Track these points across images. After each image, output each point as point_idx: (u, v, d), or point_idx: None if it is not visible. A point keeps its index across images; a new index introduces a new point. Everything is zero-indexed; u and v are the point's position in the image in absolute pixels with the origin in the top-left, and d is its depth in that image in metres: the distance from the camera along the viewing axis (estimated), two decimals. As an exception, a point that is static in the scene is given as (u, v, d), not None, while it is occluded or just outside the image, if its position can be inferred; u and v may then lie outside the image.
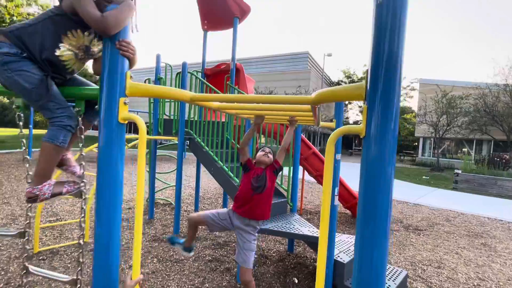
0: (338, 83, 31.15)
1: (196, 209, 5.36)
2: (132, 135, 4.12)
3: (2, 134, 24.61)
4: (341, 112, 2.57)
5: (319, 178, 5.42)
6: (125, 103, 0.98)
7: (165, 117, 4.68)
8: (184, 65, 3.94)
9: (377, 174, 0.72)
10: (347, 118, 31.90)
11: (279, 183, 3.71)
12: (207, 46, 5.33)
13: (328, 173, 0.88)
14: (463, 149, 20.82)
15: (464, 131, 17.11)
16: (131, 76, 0.98)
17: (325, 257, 0.85)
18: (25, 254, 1.59)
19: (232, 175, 3.34)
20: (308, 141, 5.36)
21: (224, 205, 5.27)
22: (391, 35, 0.70)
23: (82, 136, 1.36)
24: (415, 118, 22.71)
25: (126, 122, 1.00)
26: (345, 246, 2.99)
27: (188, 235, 2.33)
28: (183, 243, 2.39)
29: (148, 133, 6.30)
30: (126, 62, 1.03)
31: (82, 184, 1.46)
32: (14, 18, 9.81)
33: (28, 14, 17.28)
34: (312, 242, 2.91)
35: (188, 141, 4.04)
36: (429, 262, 3.68)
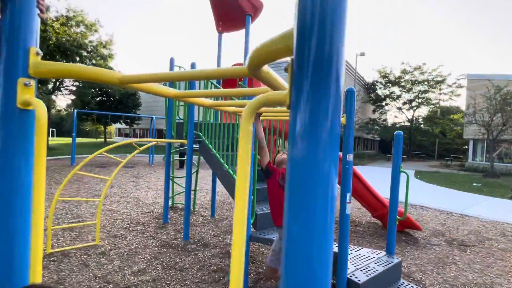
0: (373, 84, 29.43)
1: (212, 215, 5.22)
2: (145, 139, 4.13)
3: (57, 142, 27.49)
4: (353, 102, 2.21)
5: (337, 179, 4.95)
6: (25, 84, 0.79)
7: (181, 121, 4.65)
8: (192, 66, 3.85)
9: (304, 158, 0.44)
10: (384, 120, 29.83)
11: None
12: (222, 48, 5.24)
13: (243, 163, 0.60)
14: (525, 152, 18.12)
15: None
16: (37, 53, 0.80)
17: (239, 279, 0.56)
18: None
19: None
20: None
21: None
22: None
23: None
24: (463, 119, 20.43)
25: (32, 108, 0.82)
26: (364, 262, 2.57)
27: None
28: None
29: (163, 136, 6.39)
30: (35, 32, 0.84)
31: None
32: (59, 37, 10.84)
33: (76, 34, 19.20)
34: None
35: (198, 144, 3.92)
36: (476, 286, 3.05)
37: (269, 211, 2.87)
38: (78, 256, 3.24)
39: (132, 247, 3.58)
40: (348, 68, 26.47)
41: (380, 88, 29.17)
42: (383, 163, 20.92)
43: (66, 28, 14.78)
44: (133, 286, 2.66)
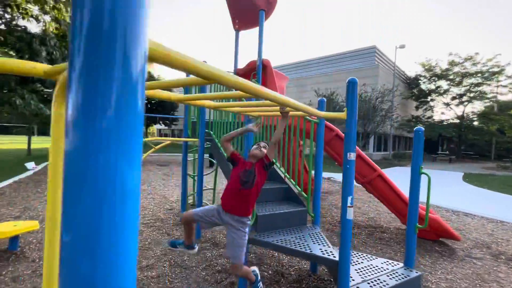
0: (416, 79, 27.09)
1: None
2: (163, 138, 4.25)
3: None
4: (355, 95, 1.98)
5: (367, 186, 4.58)
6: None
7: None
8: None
9: (77, 151, 0.32)
10: (429, 117, 27.22)
11: (299, 189, 3.20)
12: (239, 46, 5.20)
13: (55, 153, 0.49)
14: None
15: None
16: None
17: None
18: None
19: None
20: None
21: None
22: None
23: None
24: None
25: None
26: (375, 274, 2.29)
27: (184, 234, 2.26)
28: (183, 242, 2.30)
29: (180, 136, 6.53)
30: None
31: None
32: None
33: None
34: (330, 265, 2.32)
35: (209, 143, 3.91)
36: (522, 311, 2.55)
37: (270, 212, 2.74)
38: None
39: (146, 243, 3.70)
40: (386, 62, 24.73)
41: (424, 82, 26.76)
42: (427, 164, 19.14)
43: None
44: (138, 280, 2.72)
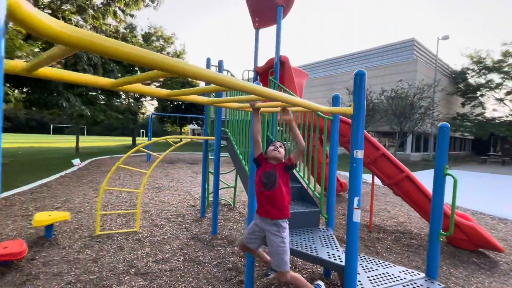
0: (462, 72, 24.63)
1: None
2: (184, 136, 4.38)
3: (142, 141, 32.12)
4: (363, 88, 1.83)
5: (394, 188, 4.25)
6: None
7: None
8: (220, 62, 3.89)
9: None
10: (479, 114, 24.43)
11: (312, 188, 3.07)
12: (259, 44, 5.16)
13: None
14: None
15: None
16: None
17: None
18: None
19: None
20: (375, 141, 4.30)
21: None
22: None
23: None
24: None
25: None
26: (390, 283, 2.10)
27: (259, 258, 2.31)
28: (270, 269, 2.12)
29: (200, 135, 6.65)
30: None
31: None
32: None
33: (156, 47, 22.08)
34: (336, 269, 2.19)
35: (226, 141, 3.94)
36: None
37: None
38: (119, 240, 3.65)
39: (166, 237, 3.84)
40: (427, 55, 22.87)
41: (472, 76, 24.24)
42: (475, 167, 17.32)
43: (143, 43, 17.11)
44: (150, 273, 2.83)
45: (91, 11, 9.05)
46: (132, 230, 3.97)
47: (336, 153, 2.84)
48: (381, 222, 5.06)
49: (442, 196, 2.24)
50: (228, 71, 3.93)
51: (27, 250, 2.94)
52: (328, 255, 2.13)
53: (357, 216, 1.85)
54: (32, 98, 9.19)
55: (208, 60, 4.73)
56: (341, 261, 2.01)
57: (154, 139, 4.14)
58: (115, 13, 10.29)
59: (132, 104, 20.54)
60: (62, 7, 9.54)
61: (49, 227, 3.52)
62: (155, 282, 2.68)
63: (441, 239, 2.29)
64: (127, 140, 38.22)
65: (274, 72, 4.15)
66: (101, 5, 9.54)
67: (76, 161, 10.70)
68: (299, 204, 3.01)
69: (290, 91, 3.30)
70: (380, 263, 2.43)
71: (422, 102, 17.01)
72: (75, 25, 9.69)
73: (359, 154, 1.83)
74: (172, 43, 24.97)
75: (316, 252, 2.16)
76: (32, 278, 2.61)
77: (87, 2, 8.79)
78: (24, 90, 9.58)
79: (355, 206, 1.84)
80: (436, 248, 2.28)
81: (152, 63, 0.79)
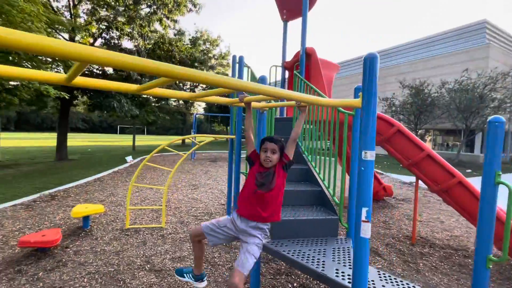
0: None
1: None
2: (205, 135, 4.40)
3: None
4: (374, 76, 1.50)
5: (443, 196, 3.60)
6: None
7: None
8: (240, 59, 3.77)
9: None
10: None
11: (331, 193, 2.73)
12: (287, 38, 4.90)
13: None
14: None
15: None
16: None
17: None
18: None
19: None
20: (418, 139, 3.69)
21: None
22: None
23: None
24: None
25: None
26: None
27: (194, 257, 2.05)
28: (192, 270, 2.08)
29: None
30: None
31: None
32: (182, 54, 13.42)
33: (203, 50, 23.13)
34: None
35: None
36: None
37: (289, 218, 2.42)
38: (145, 234, 3.81)
39: (188, 235, 3.89)
40: (502, 38, 19.35)
41: None
42: None
43: (190, 46, 18.05)
44: (164, 270, 2.86)
45: (138, 21, 9.87)
46: (159, 226, 4.12)
47: (357, 152, 2.46)
48: (430, 234, 4.36)
49: (493, 210, 1.75)
50: (248, 67, 3.78)
51: (61, 238, 3.23)
52: (336, 272, 1.82)
53: (365, 231, 1.52)
54: (94, 102, 10.39)
55: (234, 57, 4.66)
56: (349, 282, 1.70)
57: (175, 138, 4.23)
58: (160, 20, 11.02)
59: (181, 106, 21.91)
60: (118, 18, 10.60)
61: (86, 219, 3.85)
62: (166, 280, 2.69)
63: (490, 266, 1.78)
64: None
65: (300, 65, 3.86)
66: (149, 14, 10.34)
67: (128, 158, 11.78)
68: (317, 210, 2.72)
69: (313, 86, 3.00)
70: (408, 285, 2.01)
71: (495, 94, 14.45)
72: (127, 35, 10.69)
73: (368, 155, 1.50)
74: (217, 45, 25.90)
75: (323, 267, 1.88)
76: (61, 265, 2.86)
77: (134, 14, 9.62)
78: (88, 95, 10.92)
79: (363, 218, 1.52)
80: (483, 277, 1.79)
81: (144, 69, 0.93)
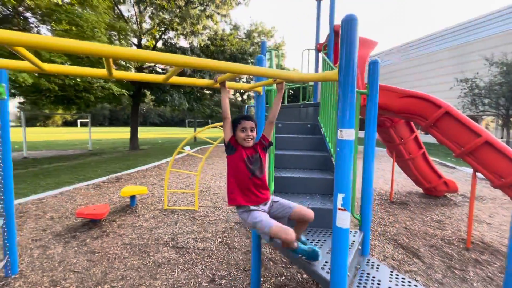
0: None
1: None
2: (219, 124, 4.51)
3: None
4: (353, 38, 1.29)
5: (508, 192, 2.89)
6: None
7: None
8: (263, 43, 3.69)
9: None
10: None
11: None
12: (321, 17, 4.56)
13: None
14: None
15: None
16: None
17: None
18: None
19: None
20: (474, 123, 3.00)
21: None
22: None
23: None
24: None
25: None
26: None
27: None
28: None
29: None
30: None
31: None
32: (233, 48, 13.83)
33: (257, 43, 23.34)
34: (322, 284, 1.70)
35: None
36: None
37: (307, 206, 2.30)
38: (179, 215, 4.16)
39: (217, 218, 4.08)
40: None
41: None
42: None
43: (245, 41, 18.43)
44: (185, 248, 3.08)
45: (189, 20, 10.57)
46: (192, 208, 4.43)
47: (374, 137, 2.17)
48: (497, 239, 3.57)
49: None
50: (275, 49, 3.70)
51: (108, 212, 3.79)
52: (325, 264, 1.67)
53: (342, 220, 1.35)
54: (155, 97, 11.67)
55: (263, 43, 4.58)
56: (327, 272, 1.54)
57: (198, 130, 4.43)
58: (211, 16, 11.56)
59: (237, 100, 22.71)
60: (175, 19, 11.56)
61: (133, 198, 4.40)
62: (184, 257, 2.90)
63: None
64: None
65: (328, 44, 3.56)
66: (199, 12, 10.98)
67: (186, 148, 12.91)
68: (331, 200, 2.51)
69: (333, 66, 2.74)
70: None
71: None
72: (182, 34, 11.57)
73: (344, 134, 1.31)
74: (271, 36, 25.76)
75: (322, 275, 1.73)
76: (105, 235, 3.36)
77: (186, 13, 10.33)
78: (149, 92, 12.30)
79: (339, 206, 1.35)
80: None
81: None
